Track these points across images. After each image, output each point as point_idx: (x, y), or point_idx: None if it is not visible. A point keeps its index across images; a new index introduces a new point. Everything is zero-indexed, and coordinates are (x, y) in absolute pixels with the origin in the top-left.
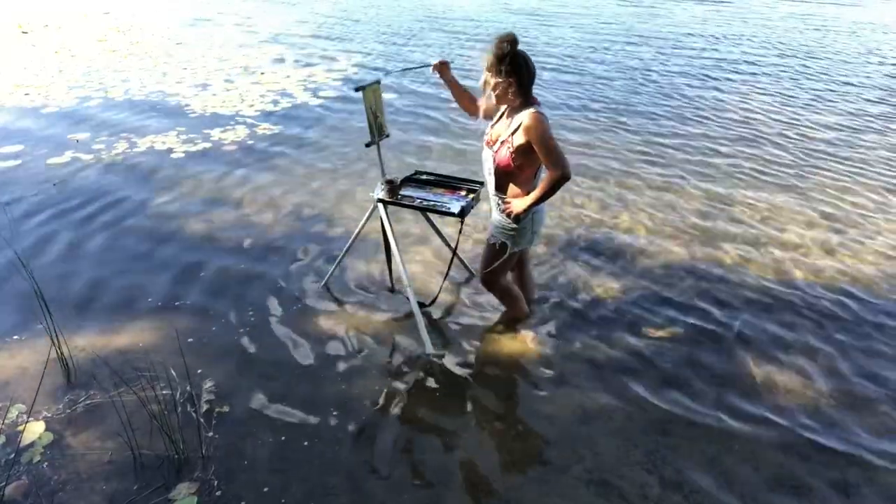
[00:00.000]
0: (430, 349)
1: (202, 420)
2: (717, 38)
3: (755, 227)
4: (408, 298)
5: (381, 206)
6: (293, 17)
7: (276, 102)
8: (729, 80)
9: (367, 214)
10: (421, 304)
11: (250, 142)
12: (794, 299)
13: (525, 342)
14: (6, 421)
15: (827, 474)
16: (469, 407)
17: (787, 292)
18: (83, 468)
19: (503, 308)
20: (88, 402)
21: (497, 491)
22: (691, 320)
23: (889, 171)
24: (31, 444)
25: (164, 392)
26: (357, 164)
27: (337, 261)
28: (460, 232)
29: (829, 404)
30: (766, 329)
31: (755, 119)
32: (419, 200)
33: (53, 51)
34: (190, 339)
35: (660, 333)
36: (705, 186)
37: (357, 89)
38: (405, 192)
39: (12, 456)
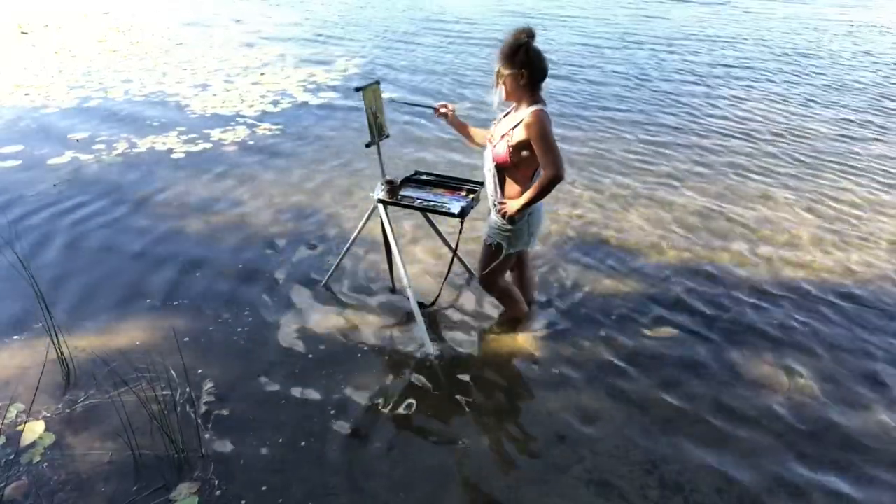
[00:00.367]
0: (430, 349)
1: (202, 420)
2: (713, 39)
3: (753, 228)
4: (408, 299)
5: (381, 206)
6: (293, 17)
7: (276, 103)
8: (726, 81)
9: (367, 215)
10: (421, 305)
11: (250, 142)
12: (793, 300)
13: (525, 342)
14: (6, 421)
15: (827, 475)
16: (469, 407)
17: (786, 293)
18: (83, 468)
19: (503, 308)
20: (88, 402)
21: (497, 491)
22: (690, 320)
23: (886, 171)
24: (31, 445)
25: (164, 392)
26: (357, 164)
27: (337, 261)
28: (460, 232)
29: (829, 405)
30: (765, 329)
31: (751, 120)
32: (419, 201)
33: (53, 51)
34: (189, 339)
35: (659, 333)
36: (702, 187)
37: (357, 89)
38: (405, 192)
39: (12, 456)
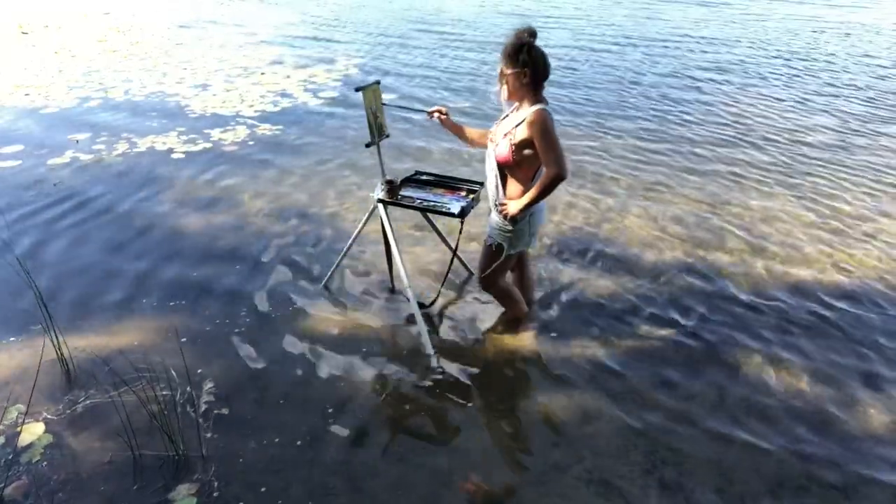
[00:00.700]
0: (429, 349)
1: (202, 420)
2: (710, 40)
3: (751, 230)
4: (408, 299)
5: (380, 206)
6: (292, 17)
7: (276, 103)
8: (724, 83)
9: (367, 215)
10: (421, 305)
11: (250, 142)
12: (793, 301)
13: (524, 342)
14: (6, 421)
15: (827, 475)
16: (469, 407)
17: (784, 293)
18: (83, 468)
19: (503, 308)
20: (88, 402)
21: (497, 491)
22: (689, 321)
23: (882, 173)
24: (31, 445)
25: (164, 392)
26: (357, 164)
27: (337, 261)
28: (460, 232)
29: (828, 404)
30: (764, 330)
31: (747, 122)
32: (419, 201)
33: (53, 51)
34: (189, 339)
35: (658, 334)
36: (698, 189)
37: (357, 90)
38: (405, 192)
39: (12, 456)
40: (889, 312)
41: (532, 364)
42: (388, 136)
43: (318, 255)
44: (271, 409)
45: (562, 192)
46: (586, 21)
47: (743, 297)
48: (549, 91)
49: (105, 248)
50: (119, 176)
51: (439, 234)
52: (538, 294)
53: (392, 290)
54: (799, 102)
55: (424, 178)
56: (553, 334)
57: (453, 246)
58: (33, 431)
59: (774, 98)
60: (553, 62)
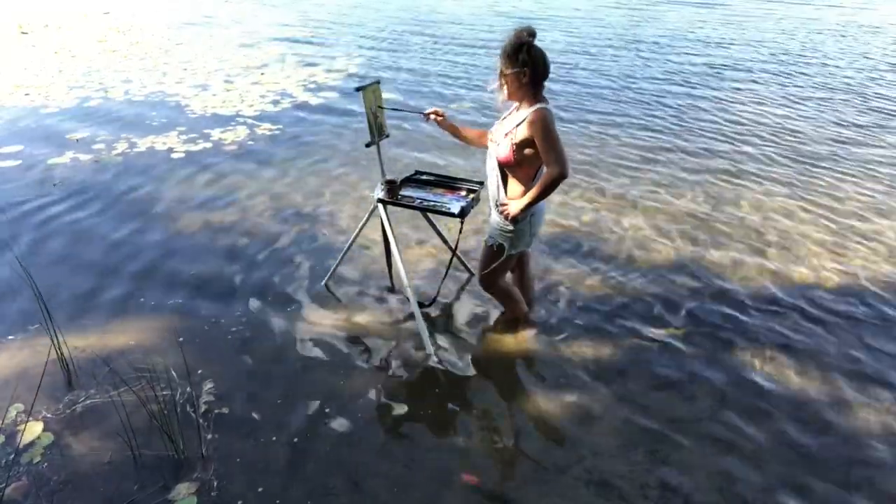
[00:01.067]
0: (429, 349)
1: (202, 420)
2: (707, 42)
3: (749, 230)
4: (408, 299)
5: (381, 206)
6: (292, 17)
7: (276, 102)
8: (719, 84)
9: (367, 215)
10: (421, 305)
11: (250, 142)
12: (793, 301)
13: (524, 342)
14: (6, 421)
15: (828, 475)
16: (469, 407)
17: (785, 294)
18: (83, 468)
19: (503, 308)
20: (88, 402)
21: (497, 491)
22: (689, 321)
23: (881, 172)
24: (31, 445)
25: (164, 392)
26: (357, 164)
27: (337, 261)
28: (460, 232)
29: (830, 405)
30: (765, 330)
31: (742, 123)
32: (419, 201)
33: (53, 51)
34: (189, 339)
35: (658, 334)
36: (697, 190)
37: (357, 89)
38: (405, 192)
39: (12, 456)
40: (888, 312)
41: (532, 364)
42: (388, 136)
43: (318, 255)
44: (271, 409)
45: (567, 191)
46: (585, 22)
47: (742, 297)
48: (544, 92)
49: (105, 247)
50: (119, 175)
51: (439, 233)
52: (537, 294)
53: (392, 290)
54: (795, 103)
55: (424, 177)
56: (553, 334)
57: (453, 246)
58: (34, 431)
59: (770, 99)
60: (552, 64)
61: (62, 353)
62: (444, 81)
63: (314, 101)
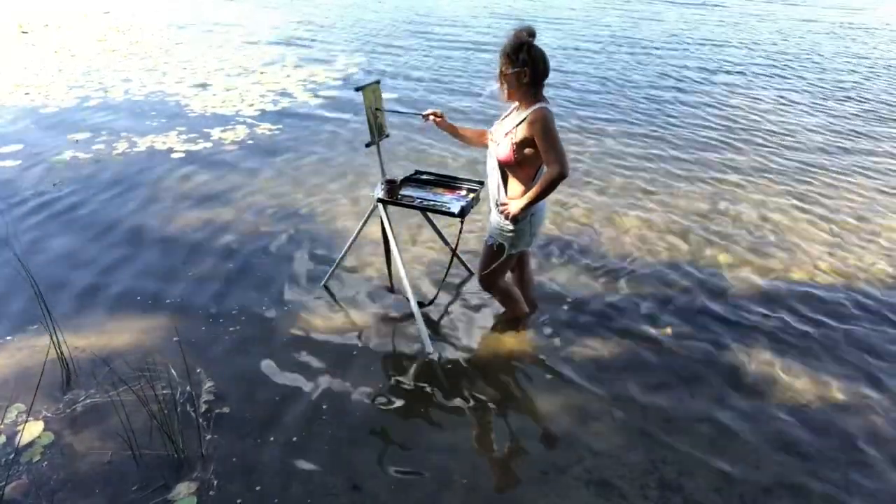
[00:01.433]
0: (429, 349)
1: (202, 420)
2: (704, 43)
3: (747, 230)
4: (407, 298)
5: (380, 206)
6: (292, 18)
7: (276, 102)
8: (715, 85)
9: (367, 214)
10: (420, 304)
11: (250, 141)
12: (793, 300)
13: (524, 342)
14: (6, 421)
15: (828, 475)
16: (468, 407)
17: (783, 294)
18: (83, 468)
19: (503, 308)
20: (88, 401)
21: (497, 491)
22: (688, 321)
23: (879, 172)
24: (31, 444)
25: (164, 392)
26: (357, 163)
27: (337, 261)
28: (460, 232)
29: (829, 404)
30: (763, 330)
31: (739, 124)
32: (419, 200)
33: (53, 51)
34: (189, 339)
35: (658, 334)
36: (695, 190)
37: (357, 89)
38: (405, 191)
39: (12, 456)
40: (885, 313)
41: (532, 364)
42: (388, 136)
43: (318, 255)
44: (270, 409)
45: (567, 191)
46: (582, 23)
47: (740, 297)
48: (543, 92)
49: (104, 247)
50: (119, 175)
51: (439, 233)
52: (538, 294)
53: (391, 290)
54: (791, 104)
55: (424, 177)
56: (552, 334)
57: (453, 245)
58: (33, 431)
59: (766, 100)
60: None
61: (62, 353)
62: (443, 81)
63: (314, 101)
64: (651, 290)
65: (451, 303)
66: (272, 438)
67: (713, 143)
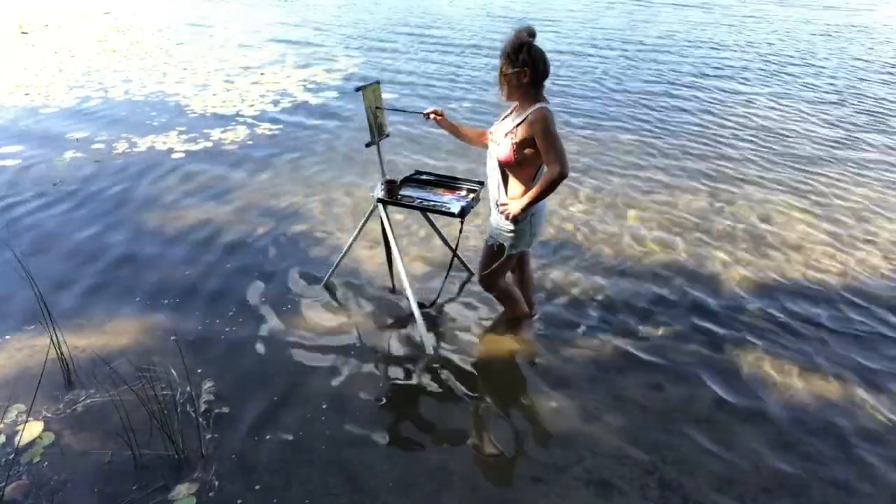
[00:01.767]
0: (430, 349)
1: (202, 420)
2: (701, 44)
3: (750, 229)
4: (408, 299)
5: (380, 206)
6: (292, 18)
7: (276, 102)
8: (713, 85)
9: (367, 214)
10: (421, 305)
11: (250, 142)
12: (793, 299)
13: (524, 343)
14: (6, 421)
15: (827, 475)
16: (469, 407)
17: (785, 293)
18: (83, 468)
19: (503, 308)
20: (88, 401)
21: (497, 491)
22: (690, 320)
23: (879, 172)
24: (31, 444)
25: (164, 392)
26: (357, 163)
27: (337, 261)
28: (460, 232)
29: (829, 405)
30: (761, 330)
31: (740, 125)
32: (419, 200)
33: (53, 51)
34: (189, 339)
35: (659, 333)
36: (694, 190)
37: (357, 89)
38: (405, 192)
39: (12, 456)
40: (884, 314)
41: (532, 364)
42: (388, 136)
43: (318, 255)
44: (271, 409)
45: (566, 191)
46: (580, 24)
47: (741, 298)
48: (543, 92)
49: (104, 247)
50: (119, 175)
51: (439, 233)
52: (538, 294)
53: (392, 290)
54: (788, 105)
55: (424, 177)
56: (552, 335)
57: (453, 246)
58: (34, 431)
59: (763, 101)
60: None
61: (62, 353)
62: (443, 81)
63: (314, 101)
64: (650, 290)
65: (451, 303)
66: (272, 438)
67: (710, 143)
